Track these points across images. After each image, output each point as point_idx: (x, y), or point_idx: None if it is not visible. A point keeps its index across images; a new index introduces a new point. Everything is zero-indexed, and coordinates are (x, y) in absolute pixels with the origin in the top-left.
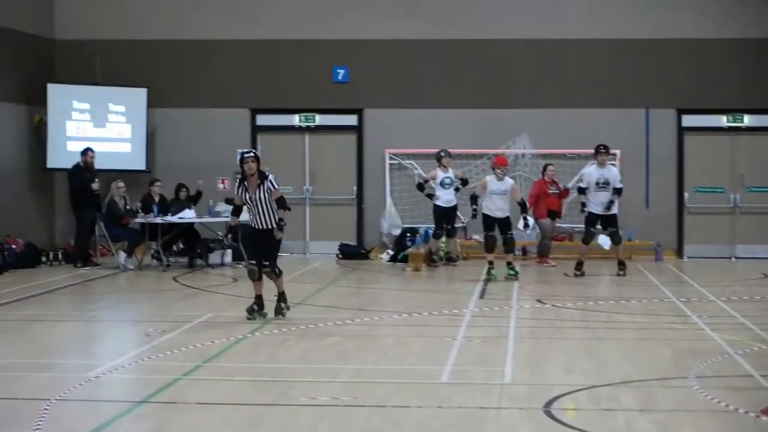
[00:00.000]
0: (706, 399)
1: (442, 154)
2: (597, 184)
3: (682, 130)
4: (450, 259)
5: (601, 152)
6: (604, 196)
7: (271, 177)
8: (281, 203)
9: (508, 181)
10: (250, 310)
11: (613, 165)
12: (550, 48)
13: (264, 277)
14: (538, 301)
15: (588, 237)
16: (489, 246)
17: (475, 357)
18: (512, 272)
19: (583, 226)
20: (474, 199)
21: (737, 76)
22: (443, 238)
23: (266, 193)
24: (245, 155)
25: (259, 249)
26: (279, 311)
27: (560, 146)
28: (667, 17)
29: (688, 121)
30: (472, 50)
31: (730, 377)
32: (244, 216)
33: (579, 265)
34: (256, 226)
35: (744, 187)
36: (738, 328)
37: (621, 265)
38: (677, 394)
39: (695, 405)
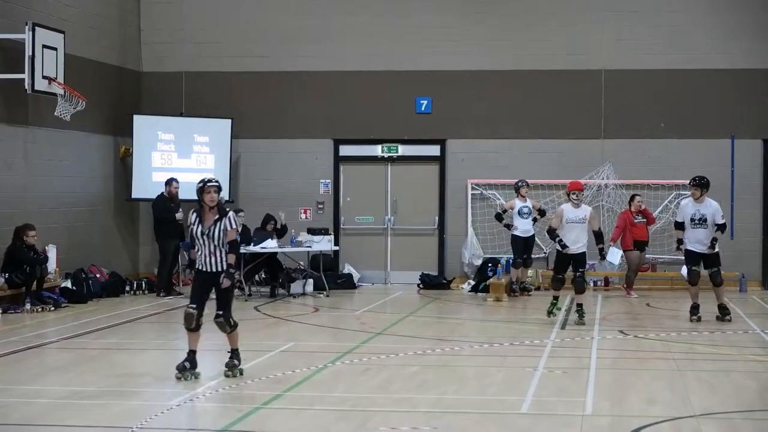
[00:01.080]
0: None
1: (521, 183)
2: (692, 220)
3: None
4: (524, 289)
5: (693, 185)
6: (702, 233)
7: (231, 214)
8: (233, 247)
9: (586, 208)
10: (181, 368)
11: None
12: (632, 78)
13: (213, 328)
14: (620, 332)
15: (692, 277)
16: (556, 286)
17: (556, 388)
18: (581, 317)
19: (668, 257)
20: (553, 232)
21: None
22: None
23: (222, 232)
24: (208, 184)
25: (203, 293)
26: (231, 367)
27: (644, 177)
28: (753, 47)
29: None
30: (553, 81)
31: None
32: None
33: (694, 309)
34: (204, 268)
35: None
36: None
37: (723, 309)
38: (762, 427)
39: None
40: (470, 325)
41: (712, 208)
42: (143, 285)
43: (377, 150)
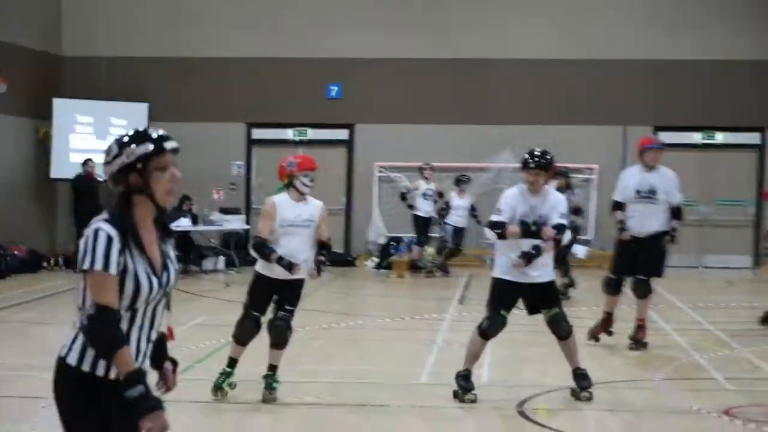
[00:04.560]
0: (671, 400)
1: (425, 166)
2: (523, 223)
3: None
4: (420, 268)
5: (533, 167)
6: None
7: None
8: None
9: (315, 205)
10: None
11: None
12: (532, 66)
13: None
14: (516, 307)
15: (493, 326)
16: (239, 335)
17: (453, 359)
18: (272, 387)
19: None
20: (261, 247)
21: (701, 95)
22: (427, 248)
23: None
24: None
25: None
26: None
27: None
28: (647, 39)
29: (662, 137)
30: (458, 68)
31: (695, 380)
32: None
33: (464, 378)
34: None
35: (715, 200)
36: (703, 334)
37: (582, 378)
38: (645, 395)
39: (661, 405)
40: (374, 300)
41: (553, 201)
42: (60, 261)
43: (288, 134)
